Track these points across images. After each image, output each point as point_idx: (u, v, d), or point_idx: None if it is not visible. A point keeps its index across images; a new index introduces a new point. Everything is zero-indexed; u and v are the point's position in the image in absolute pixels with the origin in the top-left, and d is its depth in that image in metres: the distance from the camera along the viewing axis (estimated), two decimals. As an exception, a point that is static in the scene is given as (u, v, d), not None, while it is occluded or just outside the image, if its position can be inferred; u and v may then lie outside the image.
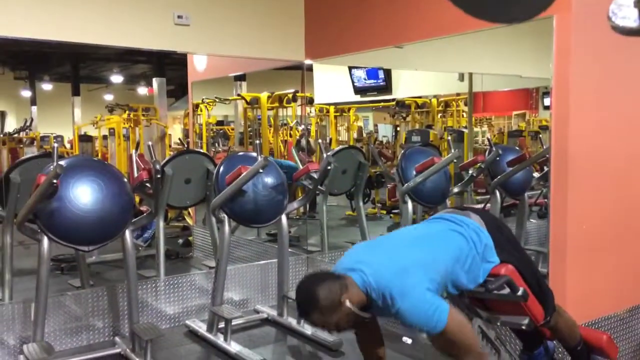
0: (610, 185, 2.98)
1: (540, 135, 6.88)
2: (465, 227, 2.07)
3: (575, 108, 2.79)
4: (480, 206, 5.20)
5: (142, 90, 10.84)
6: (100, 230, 3.09)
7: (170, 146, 9.34)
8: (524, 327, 2.12)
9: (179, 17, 3.86)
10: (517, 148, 5.81)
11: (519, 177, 4.97)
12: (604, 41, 2.92)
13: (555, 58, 2.82)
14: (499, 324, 2.18)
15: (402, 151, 4.86)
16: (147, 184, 4.05)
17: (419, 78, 7.08)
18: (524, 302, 2.03)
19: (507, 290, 2.03)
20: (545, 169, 5.12)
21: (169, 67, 9.56)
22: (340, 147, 6.59)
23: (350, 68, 7.20)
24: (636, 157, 3.10)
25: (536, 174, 5.40)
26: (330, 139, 8.89)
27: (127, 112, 8.11)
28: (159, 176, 3.83)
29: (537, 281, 2.14)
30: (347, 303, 1.84)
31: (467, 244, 2.02)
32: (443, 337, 1.84)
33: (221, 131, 9.87)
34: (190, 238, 5.74)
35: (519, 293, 2.01)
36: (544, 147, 5.74)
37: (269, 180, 3.72)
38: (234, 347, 3.38)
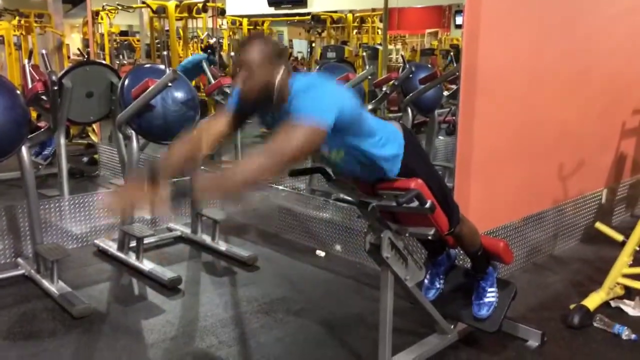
0: (514, 104, 3.11)
1: (451, 54, 7.02)
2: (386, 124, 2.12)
3: (486, 27, 2.82)
4: (392, 123, 5.31)
5: (33, -7, 9.81)
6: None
7: (68, 57, 8.65)
8: (430, 237, 2.22)
9: None
10: (430, 66, 5.91)
11: (430, 95, 5.08)
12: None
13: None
14: (407, 235, 2.27)
15: (317, 67, 4.80)
16: (43, 97, 3.76)
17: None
18: (431, 214, 2.12)
19: (415, 203, 2.10)
20: (455, 87, 5.27)
21: (64, -33, 8.65)
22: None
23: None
24: (539, 77, 3.23)
25: (446, 93, 5.56)
26: (244, 53, 8.58)
27: (17, 17, 7.34)
28: (55, 88, 3.56)
29: (444, 194, 2.23)
30: (278, 72, 1.78)
31: (383, 131, 2.04)
32: (290, 128, 1.70)
33: (125, 42, 9.23)
34: (96, 156, 5.46)
35: (427, 206, 2.08)
36: (455, 66, 5.88)
37: (179, 94, 3.55)
38: (146, 264, 3.33)
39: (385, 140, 2.04)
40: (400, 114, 5.07)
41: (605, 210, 4.03)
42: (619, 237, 2.94)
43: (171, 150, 2.02)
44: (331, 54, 7.23)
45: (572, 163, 3.58)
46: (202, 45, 8.01)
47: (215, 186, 1.72)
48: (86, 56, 5.89)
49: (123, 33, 9.53)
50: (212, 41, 7.73)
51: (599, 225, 3.06)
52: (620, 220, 4.23)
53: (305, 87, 1.81)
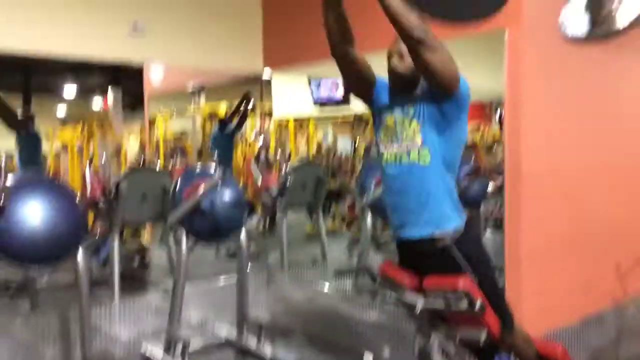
0: (563, 198, 3.06)
1: (495, 147, 7.03)
2: None
3: (526, 122, 2.86)
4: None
5: (96, 102, 10.58)
6: (49, 250, 2.97)
7: (126, 161, 9.13)
8: (481, 341, 2.14)
9: (134, 27, 3.79)
10: (473, 160, 5.93)
11: (475, 189, 5.07)
12: (555, 55, 3.01)
13: (507, 72, 2.89)
14: (457, 338, 2.19)
15: (361, 164, 4.89)
16: (101, 202, 3.95)
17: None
18: (482, 315, 2.05)
19: (465, 304, 2.04)
20: (500, 179, 5.24)
21: (125, 78, 9.37)
22: (300, 162, 6.59)
23: (309, 80, 7.22)
24: (587, 170, 3.20)
25: (491, 186, 5.52)
26: (290, 153, 8.87)
27: (81, 125, 7.89)
28: (113, 193, 3.74)
29: (496, 294, 2.17)
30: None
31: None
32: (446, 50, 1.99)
33: (179, 146, 9.71)
34: (147, 258, 5.59)
35: (477, 306, 2.02)
36: (498, 160, 5.87)
37: (227, 195, 3.67)
38: (192, 369, 3.29)
39: (453, 187, 2.13)
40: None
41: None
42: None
43: None
44: (374, 152, 7.37)
45: (629, 258, 3.43)
46: (249, 144, 8.34)
47: None
48: (142, 161, 6.21)
49: (177, 137, 10.06)
50: (260, 139, 8.04)
51: (665, 326, 2.87)
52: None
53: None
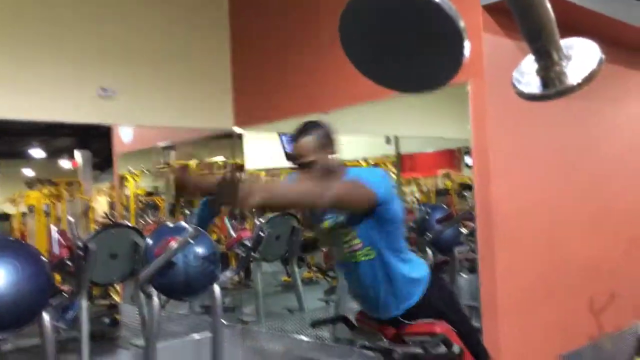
0: (535, 239, 3.11)
1: (465, 193, 7.15)
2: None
3: (495, 167, 2.93)
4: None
5: (65, 163, 10.47)
6: (14, 314, 2.87)
7: (95, 220, 8.97)
8: (461, 388, 2.11)
9: (103, 89, 3.81)
10: (445, 206, 6.00)
11: (448, 235, 5.11)
12: (517, 104, 3.12)
13: (472, 121, 2.97)
14: (437, 387, 2.16)
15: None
16: (69, 262, 3.85)
17: (347, 142, 7.24)
18: (459, 358, 2.03)
19: (443, 349, 2.03)
20: (472, 225, 5.30)
21: (94, 138, 9.33)
22: (274, 214, 6.55)
23: (280, 134, 7.30)
24: (557, 211, 3.27)
25: (464, 230, 5.57)
26: (264, 207, 8.83)
27: (47, 187, 7.77)
28: (81, 253, 3.65)
29: (472, 337, 2.16)
30: (331, 155, 2.00)
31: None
32: (350, 181, 1.95)
33: (150, 202, 9.61)
34: (118, 316, 5.42)
35: (455, 350, 2.01)
36: (469, 205, 5.96)
37: (200, 250, 3.62)
38: None
39: (410, 261, 2.06)
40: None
41: (646, 344, 3.81)
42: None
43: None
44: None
45: (604, 298, 3.47)
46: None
47: (260, 190, 1.67)
48: (112, 219, 6.11)
49: (148, 194, 9.97)
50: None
51: (641, 362, 2.88)
52: (666, 354, 3.97)
53: (359, 171, 2.07)
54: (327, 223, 2.12)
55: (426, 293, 2.11)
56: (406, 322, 2.12)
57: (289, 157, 6.99)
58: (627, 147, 3.83)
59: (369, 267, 2.09)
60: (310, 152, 2.01)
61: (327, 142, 2.05)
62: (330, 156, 2.04)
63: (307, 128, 2.05)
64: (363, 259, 2.09)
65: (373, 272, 2.09)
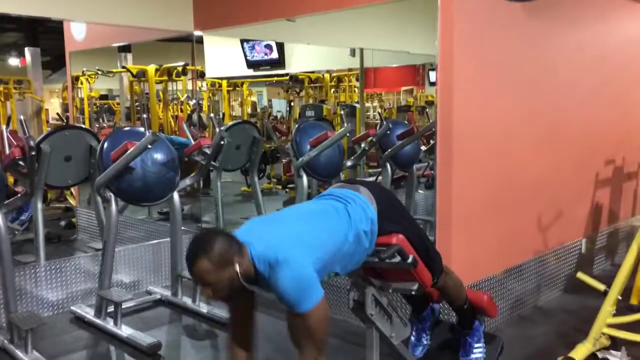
0: (490, 157, 3.18)
1: (427, 110, 7.20)
2: (353, 203, 2.09)
3: (458, 83, 2.92)
4: (372, 179, 5.36)
5: (13, 61, 9.89)
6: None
7: (47, 122, 8.66)
8: (413, 292, 2.21)
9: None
10: (406, 122, 6.04)
11: (407, 151, 5.17)
12: (485, 19, 3.08)
13: (439, 35, 2.92)
14: (390, 291, 2.26)
15: (297, 126, 4.86)
16: (21, 162, 3.73)
17: (312, 53, 7.10)
18: (414, 268, 2.11)
19: (397, 259, 2.10)
20: (432, 142, 5.37)
21: (45, 35, 8.78)
22: (234, 122, 6.47)
23: (242, 41, 7.05)
24: (514, 129, 3.33)
25: (423, 147, 5.66)
26: (223, 114, 8.72)
27: (-4, 84, 7.38)
28: (33, 153, 3.54)
29: (425, 247, 2.23)
30: (237, 267, 1.80)
31: (351, 223, 2.03)
32: (302, 319, 1.81)
33: (105, 106, 9.30)
34: (74, 219, 5.38)
35: (409, 260, 2.08)
36: (431, 121, 6.01)
37: (159, 156, 3.56)
38: (125, 330, 3.23)
39: (356, 233, 2.03)
40: (379, 170, 5.13)
41: (586, 259, 4.06)
42: (601, 287, 2.95)
43: None
44: (310, 113, 7.36)
45: (550, 214, 3.64)
46: (182, 107, 8.10)
47: None
48: (65, 120, 5.91)
49: (103, 97, 9.61)
50: (191, 103, 7.83)
51: (580, 275, 3.07)
52: (602, 270, 4.26)
53: (269, 264, 1.81)
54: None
55: (379, 212, 2.11)
56: None
57: (250, 65, 6.79)
58: (582, 71, 3.87)
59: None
60: (211, 275, 1.79)
61: (227, 255, 1.80)
62: (235, 267, 1.80)
63: (199, 249, 1.81)
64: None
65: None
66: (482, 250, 3.15)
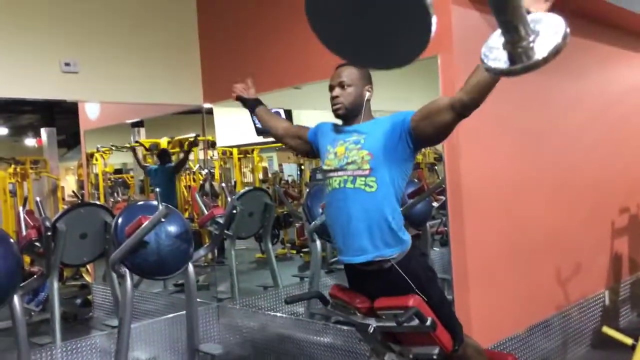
0: (503, 211, 3.17)
1: (436, 167, 7.22)
2: None
3: (465, 141, 2.96)
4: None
5: (29, 141, 10.19)
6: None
7: (63, 199, 8.80)
8: (434, 358, 2.16)
9: (66, 64, 3.69)
10: (416, 180, 6.06)
11: (419, 209, 5.17)
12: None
13: (442, 94, 2.99)
14: (411, 356, 2.21)
15: (307, 190, 4.91)
16: (37, 243, 3.77)
17: (319, 117, 7.23)
18: (433, 331, 2.07)
19: (416, 322, 2.06)
20: (443, 198, 5.37)
21: (59, 115, 9.07)
22: (245, 189, 6.55)
23: (251, 111, 7.21)
24: (525, 182, 3.33)
25: (435, 204, 5.65)
26: (235, 182, 8.81)
27: (12, 165, 7.57)
28: (49, 234, 3.58)
29: (445, 310, 2.20)
30: (367, 92, 2.25)
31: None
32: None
33: (120, 180, 9.46)
34: (90, 297, 5.37)
35: (428, 323, 2.04)
36: (440, 178, 6.03)
37: (172, 228, 3.58)
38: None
39: (399, 220, 2.15)
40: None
41: (610, 312, 3.95)
42: (629, 341, 2.85)
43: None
44: (320, 176, 7.43)
45: (569, 266, 3.58)
46: (194, 177, 8.22)
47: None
48: (81, 198, 6.00)
49: (117, 171, 9.81)
50: (204, 172, 7.94)
51: (606, 329, 2.99)
52: (628, 321, 4.13)
53: (385, 119, 2.18)
54: (340, 146, 2.23)
55: (406, 256, 2.12)
56: (378, 288, 2.14)
57: (259, 132, 6.96)
58: (588, 120, 3.91)
59: (364, 199, 2.11)
60: (352, 79, 2.20)
61: (368, 81, 2.25)
62: (367, 92, 2.24)
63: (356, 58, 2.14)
64: (363, 188, 2.10)
65: (365, 206, 2.10)
66: (502, 307, 3.08)
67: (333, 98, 2.26)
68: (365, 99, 2.22)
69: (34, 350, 3.47)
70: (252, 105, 2.74)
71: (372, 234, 2.10)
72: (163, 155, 6.95)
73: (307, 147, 2.52)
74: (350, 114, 2.25)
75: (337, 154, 2.21)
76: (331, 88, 2.28)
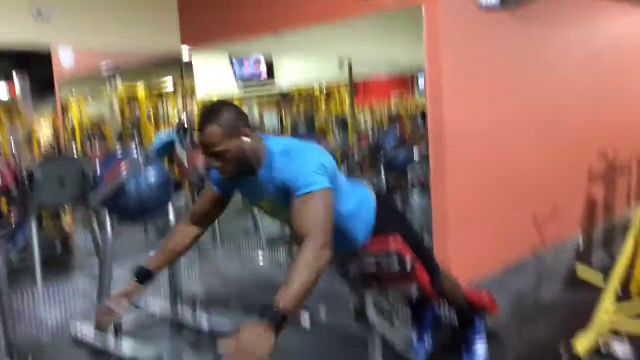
0: (483, 158, 3.20)
1: (418, 116, 7.23)
2: (359, 186, 2.14)
3: (447, 89, 2.95)
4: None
5: (1, 89, 9.91)
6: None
7: (39, 148, 8.65)
8: (413, 295, 2.21)
9: (37, 12, 3.55)
10: (397, 130, 6.07)
11: (401, 157, 5.21)
12: (470, 24, 3.12)
13: (425, 44, 2.96)
14: (390, 295, 2.26)
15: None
16: (14, 190, 3.73)
17: (300, 66, 7.17)
18: (412, 272, 2.11)
19: (397, 266, 2.10)
20: (425, 147, 5.41)
21: (32, 63, 8.79)
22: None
23: (231, 59, 7.09)
24: (505, 129, 3.35)
25: (417, 152, 5.68)
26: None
27: (-15, 114, 7.35)
28: (26, 182, 3.54)
29: (422, 248, 2.24)
30: (245, 139, 1.76)
31: (353, 190, 2.05)
32: (310, 200, 1.67)
33: (96, 130, 9.30)
34: (70, 241, 5.35)
35: (408, 268, 2.08)
36: (422, 128, 6.05)
37: (152, 176, 3.55)
38: (126, 347, 3.21)
39: (357, 206, 2.04)
40: (374, 177, 5.16)
41: (584, 253, 4.07)
42: (600, 280, 2.95)
43: (163, 245, 2.06)
44: (302, 126, 7.39)
45: (546, 210, 3.65)
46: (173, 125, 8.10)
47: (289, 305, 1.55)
48: (57, 147, 5.89)
49: (94, 122, 9.62)
50: (183, 119, 7.83)
51: (579, 269, 3.08)
52: (600, 262, 4.26)
53: (284, 149, 1.79)
54: (265, 203, 1.96)
55: (376, 216, 2.13)
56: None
57: (239, 80, 6.78)
58: (571, 69, 3.92)
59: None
60: (220, 141, 1.74)
61: (237, 125, 1.76)
62: (244, 139, 1.77)
63: (209, 115, 1.76)
64: None
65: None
66: (479, 249, 3.16)
67: (214, 166, 1.85)
68: (247, 147, 1.77)
69: (16, 292, 3.48)
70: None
71: (345, 238, 2.06)
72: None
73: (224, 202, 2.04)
74: (243, 172, 1.84)
75: (265, 209, 2.01)
76: (204, 154, 1.84)
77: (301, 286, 1.56)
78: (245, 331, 1.47)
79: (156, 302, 4.02)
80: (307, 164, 1.73)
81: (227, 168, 1.80)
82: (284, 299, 1.52)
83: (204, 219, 2.02)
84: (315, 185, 1.68)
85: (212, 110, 1.79)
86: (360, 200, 2.07)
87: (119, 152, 4.73)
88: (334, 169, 1.84)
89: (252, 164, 1.81)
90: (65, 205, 4.53)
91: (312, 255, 1.58)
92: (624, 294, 2.91)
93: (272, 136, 1.89)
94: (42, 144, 9.80)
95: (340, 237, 1.95)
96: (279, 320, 1.48)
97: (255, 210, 5.22)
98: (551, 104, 3.71)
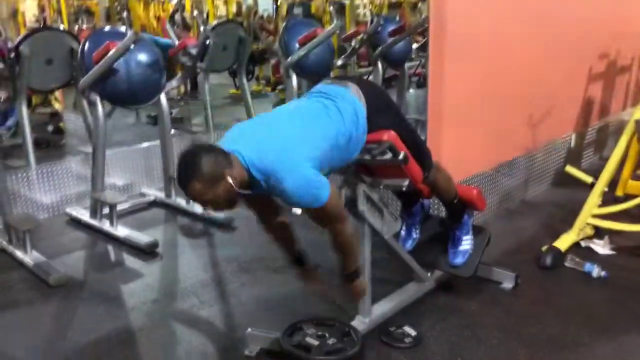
0: (483, 54, 3.10)
1: (419, 5, 6.95)
2: (342, 100, 2.05)
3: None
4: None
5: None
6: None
7: (24, 25, 8.31)
8: (404, 189, 2.24)
9: None
10: (398, 19, 5.85)
11: (399, 48, 5.05)
12: None
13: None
14: (381, 187, 2.28)
15: (284, 24, 4.71)
16: (1, 65, 3.63)
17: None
18: (405, 164, 2.12)
19: (389, 155, 2.10)
20: (423, 39, 5.23)
21: None
22: (219, 21, 6.23)
23: None
24: (507, 28, 3.22)
25: (415, 45, 5.52)
26: (208, 13, 8.39)
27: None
28: (12, 56, 3.43)
29: (416, 143, 2.23)
30: (229, 179, 1.76)
31: (342, 121, 2.01)
32: (320, 210, 1.88)
33: (83, 6, 8.89)
34: (61, 124, 5.31)
35: (400, 157, 2.08)
36: (423, 17, 5.82)
37: (143, 57, 3.45)
38: (121, 231, 3.30)
39: (347, 130, 1.99)
40: (370, 69, 5.04)
41: (575, 154, 4.11)
42: (588, 179, 3.01)
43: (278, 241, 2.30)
44: (297, 10, 7.10)
45: (541, 110, 3.62)
46: (164, 7, 7.77)
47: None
48: (43, 23, 5.66)
49: (80, -1, 9.16)
50: (174, 2, 7.49)
51: (568, 169, 3.12)
52: (590, 163, 4.33)
53: (265, 172, 1.80)
54: None
55: (370, 114, 2.08)
56: None
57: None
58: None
59: None
60: (205, 192, 1.75)
61: (217, 170, 1.74)
62: (228, 179, 1.75)
63: (188, 171, 1.75)
64: None
65: None
66: (473, 147, 3.16)
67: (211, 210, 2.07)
68: (235, 182, 1.76)
69: (9, 172, 3.49)
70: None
71: None
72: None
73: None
74: (234, 203, 1.86)
75: None
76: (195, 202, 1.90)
77: (354, 252, 2.12)
78: (355, 282, 2.15)
79: (151, 188, 4.09)
80: (302, 184, 1.82)
81: (223, 207, 1.87)
82: (354, 263, 2.12)
83: (273, 217, 2.22)
84: (318, 202, 1.85)
85: (189, 164, 1.76)
86: (351, 120, 2.02)
87: (107, 29, 4.55)
88: (318, 147, 1.91)
89: (242, 191, 1.84)
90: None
91: (346, 234, 2.02)
92: (611, 196, 2.98)
93: (246, 148, 1.83)
94: (28, 21, 9.39)
95: (338, 160, 2.05)
96: (358, 273, 2.15)
97: (249, 100, 5.15)
98: (559, 7, 3.55)
